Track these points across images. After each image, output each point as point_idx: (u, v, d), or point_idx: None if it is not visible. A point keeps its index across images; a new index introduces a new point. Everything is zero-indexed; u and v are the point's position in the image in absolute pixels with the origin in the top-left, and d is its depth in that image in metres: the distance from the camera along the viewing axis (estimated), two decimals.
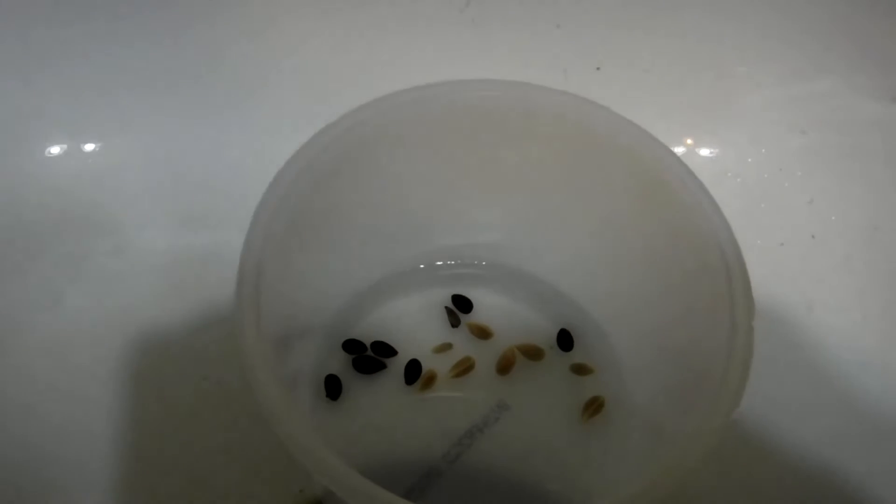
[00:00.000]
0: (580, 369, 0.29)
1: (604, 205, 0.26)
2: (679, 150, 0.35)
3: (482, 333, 0.29)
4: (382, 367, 0.29)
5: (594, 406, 0.28)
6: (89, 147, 0.32)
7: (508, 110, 0.24)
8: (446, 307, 0.30)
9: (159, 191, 0.32)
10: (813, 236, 0.33)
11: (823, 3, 0.32)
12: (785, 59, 0.33)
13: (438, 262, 0.30)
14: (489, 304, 0.30)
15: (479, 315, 0.30)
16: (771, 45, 0.33)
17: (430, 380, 0.28)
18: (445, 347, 0.29)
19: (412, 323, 0.29)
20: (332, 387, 0.28)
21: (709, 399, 0.20)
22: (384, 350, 0.29)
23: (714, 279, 0.22)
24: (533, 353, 0.29)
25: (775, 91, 0.34)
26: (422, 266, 0.30)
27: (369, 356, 0.29)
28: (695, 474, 0.19)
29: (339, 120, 0.24)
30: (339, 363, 0.29)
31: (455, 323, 0.30)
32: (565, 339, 0.29)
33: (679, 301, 0.25)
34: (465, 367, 0.28)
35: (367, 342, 0.29)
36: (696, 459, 0.19)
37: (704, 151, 0.35)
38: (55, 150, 0.32)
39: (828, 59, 0.33)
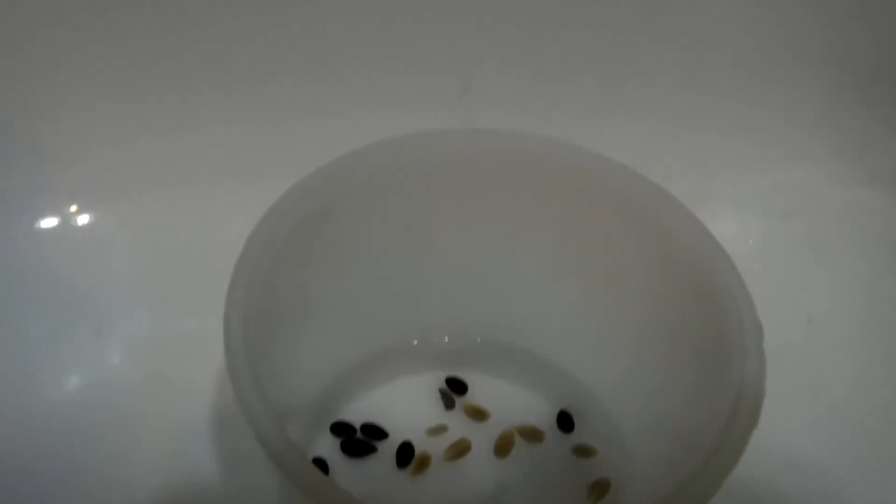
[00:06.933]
0: (583, 451, 0.27)
1: (606, 270, 0.25)
2: None
3: (478, 415, 0.28)
4: (373, 450, 0.27)
5: (600, 488, 0.26)
6: (83, 220, 0.31)
7: (498, 162, 0.23)
8: (440, 389, 0.29)
9: (146, 270, 0.31)
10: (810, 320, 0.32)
11: (800, 95, 0.33)
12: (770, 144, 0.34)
13: (431, 338, 0.29)
14: (485, 384, 0.29)
15: (474, 396, 0.29)
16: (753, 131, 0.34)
17: (424, 463, 0.26)
18: (440, 429, 0.27)
19: (404, 404, 0.28)
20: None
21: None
22: (375, 432, 0.27)
23: (728, 354, 0.21)
24: (532, 435, 0.27)
25: (757, 179, 0.34)
26: (415, 342, 0.29)
27: (359, 439, 0.27)
28: None
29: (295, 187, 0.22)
30: (326, 446, 0.27)
31: (449, 405, 0.28)
32: (566, 421, 0.28)
33: (689, 374, 0.23)
34: (460, 450, 0.27)
35: (357, 424, 0.27)
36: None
37: None
38: (47, 223, 0.31)
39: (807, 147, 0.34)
